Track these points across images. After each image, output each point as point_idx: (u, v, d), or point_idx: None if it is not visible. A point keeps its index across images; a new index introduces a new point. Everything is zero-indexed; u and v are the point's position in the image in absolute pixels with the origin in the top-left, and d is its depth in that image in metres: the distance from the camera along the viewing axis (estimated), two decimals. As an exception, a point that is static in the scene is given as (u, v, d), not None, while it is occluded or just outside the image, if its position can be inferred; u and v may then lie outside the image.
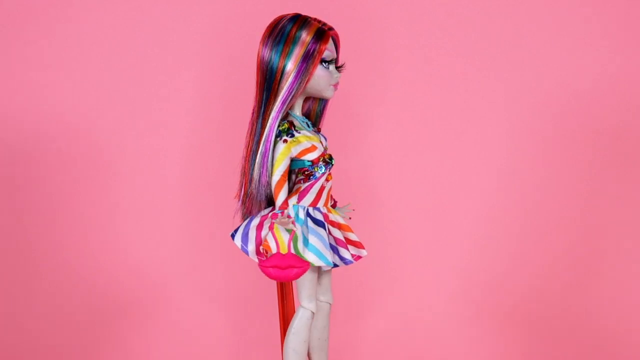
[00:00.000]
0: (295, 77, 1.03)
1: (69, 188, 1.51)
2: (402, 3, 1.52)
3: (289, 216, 1.03)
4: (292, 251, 1.03)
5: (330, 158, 1.10)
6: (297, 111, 1.10)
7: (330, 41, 1.06)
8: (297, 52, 1.03)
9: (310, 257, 1.03)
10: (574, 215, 1.56)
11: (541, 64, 1.52)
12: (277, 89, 1.04)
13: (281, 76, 1.03)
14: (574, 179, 1.55)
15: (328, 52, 1.05)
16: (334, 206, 1.15)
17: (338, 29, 1.07)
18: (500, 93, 1.53)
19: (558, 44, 1.52)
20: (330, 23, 1.07)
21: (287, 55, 1.03)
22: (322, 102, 1.14)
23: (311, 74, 1.04)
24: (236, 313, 1.54)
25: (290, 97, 1.05)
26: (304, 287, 1.08)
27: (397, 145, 1.55)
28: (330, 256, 1.04)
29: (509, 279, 1.56)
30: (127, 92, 1.50)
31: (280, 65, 1.03)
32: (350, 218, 1.14)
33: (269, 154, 1.05)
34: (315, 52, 1.03)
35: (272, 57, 1.03)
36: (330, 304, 1.13)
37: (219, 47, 1.49)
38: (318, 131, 1.12)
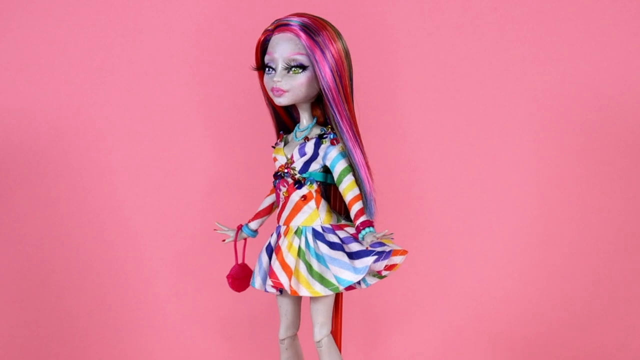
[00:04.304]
0: None
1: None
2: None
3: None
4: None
5: (285, 172, 1.04)
6: (301, 120, 1.07)
7: (272, 43, 1.02)
8: None
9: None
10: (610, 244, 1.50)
11: (576, 65, 1.49)
12: None
13: None
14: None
15: (267, 56, 1.03)
16: (361, 226, 1.00)
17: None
18: (531, 100, 1.49)
19: (593, 46, 1.48)
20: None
21: None
22: (303, 107, 1.06)
23: (262, 86, 1.07)
24: (240, 342, 1.52)
25: (270, 113, 1.11)
26: None
27: (404, 167, 1.51)
28: (258, 281, 1.06)
29: (529, 311, 1.51)
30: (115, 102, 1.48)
31: None
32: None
33: None
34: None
35: None
36: (315, 340, 1.05)
37: (213, 47, 1.47)
38: (306, 139, 1.04)
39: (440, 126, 1.49)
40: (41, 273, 1.49)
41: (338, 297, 1.11)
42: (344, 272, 0.99)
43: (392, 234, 0.99)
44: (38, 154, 1.47)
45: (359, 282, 1.06)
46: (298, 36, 0.99)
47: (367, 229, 0.99)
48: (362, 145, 1.03)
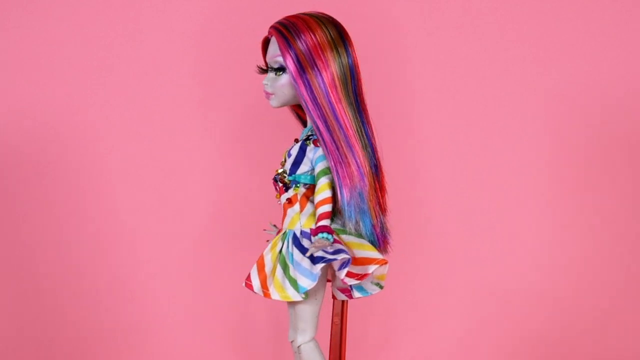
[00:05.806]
0: None
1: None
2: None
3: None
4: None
5: (278, 174, 1.02)
6: (308, 120, 1.03)
7: (269, 46, 1.00)
8: None
9: None
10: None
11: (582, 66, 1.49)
12: None
13: None
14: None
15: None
16: (316, 231, 0.96)
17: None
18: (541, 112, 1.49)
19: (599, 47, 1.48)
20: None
21: None
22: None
23: None
24: (245, 346, 1.51)
25: (292, 113, 1.10)
26: None
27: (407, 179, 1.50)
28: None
29: (534, 313, 1.50)
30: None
31: None
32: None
33: None
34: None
35: None
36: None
37: (213, 47, 1.47)
38: (296, 141, 1.04)
39: (440, 126, 1.49)
40: (39, 274, 1.48)
41: (344, 304, 1.09)
42: (303, 278, 0.95)
43: (330, 241, 0.94)
44: (37, 154, 1.47)
45: (351, 289, 1.04)
46: (277, 39, 0.97)
47: (319, 235, 0.94)
48: (357, 151, 0.97)
